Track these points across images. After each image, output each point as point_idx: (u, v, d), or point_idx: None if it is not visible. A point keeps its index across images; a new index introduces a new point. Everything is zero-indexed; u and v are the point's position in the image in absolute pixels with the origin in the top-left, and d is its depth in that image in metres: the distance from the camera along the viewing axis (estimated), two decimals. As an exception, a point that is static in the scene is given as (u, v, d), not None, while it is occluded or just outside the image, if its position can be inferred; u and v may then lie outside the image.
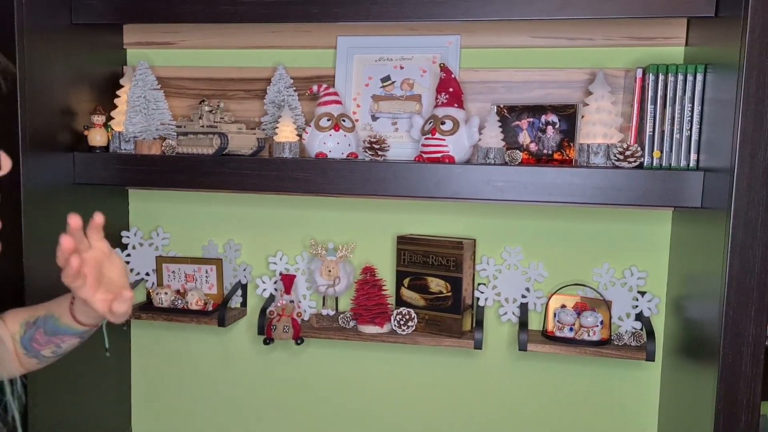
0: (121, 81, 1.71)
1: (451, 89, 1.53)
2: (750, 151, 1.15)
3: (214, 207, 1.82)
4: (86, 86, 1.66)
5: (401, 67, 1.66)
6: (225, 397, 1.87)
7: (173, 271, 1.80)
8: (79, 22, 1.57)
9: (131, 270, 1.81)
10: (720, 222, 1.23)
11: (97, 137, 1.64)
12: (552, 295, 1.62)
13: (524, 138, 1.52)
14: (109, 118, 1.67)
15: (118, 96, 1.69)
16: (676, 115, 1.38)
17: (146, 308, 1.75)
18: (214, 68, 1.77)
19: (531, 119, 1.51)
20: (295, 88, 1.69)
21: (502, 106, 1.54)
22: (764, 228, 1.16)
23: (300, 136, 1.61)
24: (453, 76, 1.54)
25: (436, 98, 1.55)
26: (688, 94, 1.37)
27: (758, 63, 1.14)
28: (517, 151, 1.49)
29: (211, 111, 1.62)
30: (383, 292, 1.68)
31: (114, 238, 1.80)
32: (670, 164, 1.39)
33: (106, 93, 1.71)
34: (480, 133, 1.50)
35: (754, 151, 1.15)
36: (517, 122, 1.53)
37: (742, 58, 1.15)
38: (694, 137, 1.37)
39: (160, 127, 1.65)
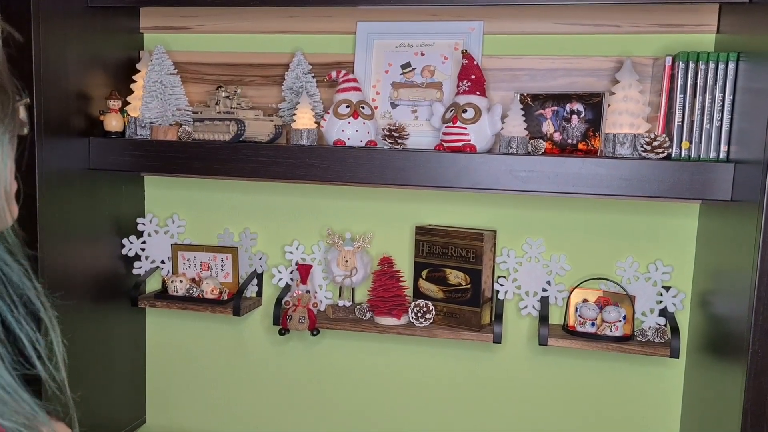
0: (138, 66, 1.69)
1: (473, 76, 1.50)
2: (786, 141, 1.11)
3: (231, 194, 1.80)
4: (102, 71, 1.64)
5: (422, 54, 1.62)
6: (239, 388, 1.85)
7: (188, 259, 1.79)
8: (95, 5, 1.55)
9: (147, 257, 1.80)
10: (751, 216, 1.18)
11: (113, 122, 1.62)
12: (574, 288, 1.59)
13: (548, 127, 1.48)
14: (125, 104, 1.65)
15: (134, 81, 1.67)
16: (707, 105, 1.33)
17: (161, 296, 1.74)
18: (232, 53, 1.75)
19: (555, 108, 1.47)
20: (313, 75, 1.66)
21: (525, 94, 1.50)
22: (799, 222, 1.12)
23: (318, 123, 1.58)
24: (475, 63, 1.50)
25: (458, 85, 1.51)
26: (720, 83, 1.32)
27: (797, 50, 1.09)
28: (541, 140, 1.45)
29: (228, 97, 1.59)
30: (401, 284, 1.65)
31: (130, 224, 1.79)
32: (699, 155, 1.35)
33: (123, 78, 1.69)
34: (503, 122, 1.47)
35: (791, 141, 1.10)
36: (541, 111, 1.49)
37: (779, 45, 1.11)
38: (725, 128, 1.32)
39: (176, 113, 1.63)
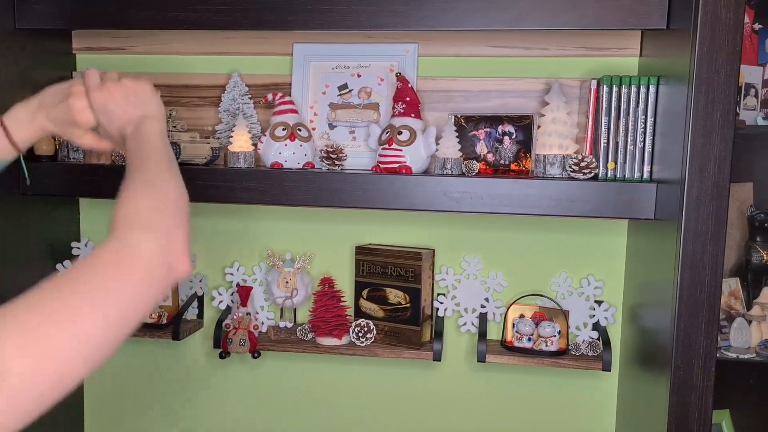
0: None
1: (408, 99, 1.52)
2: (699, 165, 1.16)
3: (169, 217, 1.78)
4: (32, 93, 1.60)
5: (358, 75, 1.64)
6: (180, 412, 1.83)
7: (126, 283, 1.76)
8: (23, 27, 1.52)
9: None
10: (672, 234, 1.23)
11: (43, 146, 1.58)
12: (511, 305, 1.62)
13: (481, 148, 1.51)
14: (58, 127, 1.61)
15: (66, 103, 1.64)
16: (630, 127, 1.38)
17: (98, 322, 1.70)
18: (167, 74, 1.73)
19: (488, 129, 1.51)
20: (250, 96, 1.66)
21: (459, 115, 1.53)
22: (714, 242, 1.17)
23: (255, 145, 1.57)
24: (410, 85, 1.53)
25: (393, 107, 1.53)
26: (641, 105, 1.37)
27: (707, 77, 1.14)
28: (474, 161, 1.48)
29: (163, 120, 1.57)
30: (342, 304, 1.66)
31: (64, 249, 1.75)
32: (625, 176, 1.39)
33: (55, 100, 1.65)
34: (437, 144, 1.49)
35: (704, 165, 1.16)
36: (475, 132, 1.52)
37: (691, 72, 1.16)
38: (648, 149, 1.38)
39: (110, 136, 1.61)
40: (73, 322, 0.65)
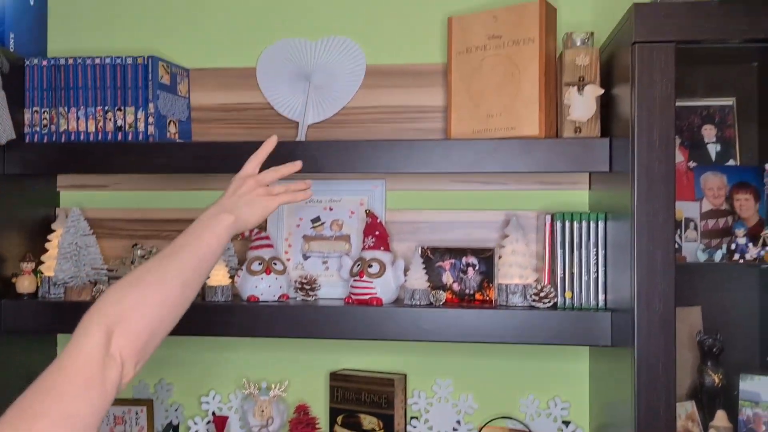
0: (53, 225, 1.72)
1: (377, 233, 1.62)
2: (646, 299, 1.26)
3: (146, 347, 1.81)
4: (16, 232, 1.68)
5: (330, 209, 1.74)
6: None
7: (101, 415, 1.76)
8: (11, 173, 1.61)
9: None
10: (627, 360, 1.31)
11: (25, 283, 1.63)
12: (482, 428, 1.66)
13: (447, 278, 1.61)
14: (40, 263, 1.67)
15: (49, 240, 1.70)
16: (584, 258, 1.49)
17: (71, 457, 1.69)
18: (149, 209, 1.82)
19: (453, 260, 1.60)
20: (228, 230, 1.75)
21: (425, 247, 1.63)
22: (665, 370, 1.25)
23: (232, 277, 1.64)
24: (378, 220, 1.63)
25: (364, 241, 1.63)
26: (593, 239, 1.49)
27: (646, 220, 1.26)
28: (441, 291, 1.57)
29: (143, 256, 1.65)
30: (316, 431, 1.69)
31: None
32: (582, 304, 1.49)
33: (38, 236, 1.72)
34: (406, 275, 1.58)
35: (650, 299, 1.25)
36: (441, 263, 1.61)
37: (632, 213, 1.28)
38: (601, 279, 1.48)
39: (90, 272, 1.66)
40: None
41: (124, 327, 0.93)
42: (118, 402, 1.76)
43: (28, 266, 1.64)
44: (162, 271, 1.01)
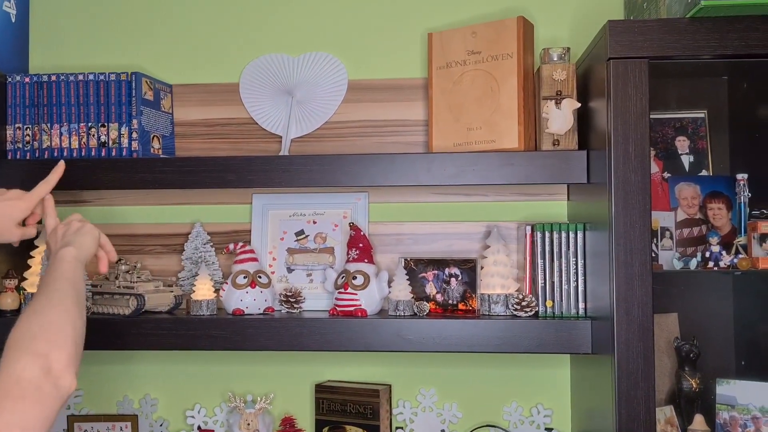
0: (36, 241, 1.72)
1: (360, 245, 1.64)
2: (624, 308, 1.29)
3: (130, 365, 1.81)
4: (4, 251, 1.67)
5: (314, 222, 1.76)
6: None
7: (86, 431, 1.76)
8: (-6, 189, 1.60)
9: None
10: (607, 368, 1.34)
11: (8, 300, 1.63)
12: (466, 436, 1.69)
13: (431, 289, 1.63)
14: (23, 279, 1.67)
15: (32, 256, 1.70)
16: (563, 268, 1.53)
17: (55, 474, 1.69)
18: (132, 224, 1.82)
19: (436, 271, 1.63)
20: (212, 244, 1.76)
21: (408, 259, 1.65)
22: (644, 378, 1.28)
23: (217, 291, 1.65)
24: (362, 233, 1.65)
25: (348, 253, 1.65)
26: (572, 249, 1.52)
27: (623, 231, 1.29)
28: (425, 302, 1.59)
29: (128, 271, 1.65)
30: (302, 443, 1.70)
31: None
32: (562, 313, 1.52)
33: (20, 254, 1.71)
34: (389, 286, 1.60)
35: (628, 308, 1.29)
36: (424, 274, 1.64)
37: (610, 224, 1.31)
38: (581, 288, 1.52)
39: (75, 288, 1.66)
40: None
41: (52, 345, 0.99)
42: (103, 418, 1.76)
43: (10, 283, 1.63)
44: (50, 297, 1.09)
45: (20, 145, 1.67)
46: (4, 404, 0.89)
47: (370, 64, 1.78)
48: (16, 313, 1.64)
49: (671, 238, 1.54)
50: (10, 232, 1.33)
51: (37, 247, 1.70)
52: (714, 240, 1.44)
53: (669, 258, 1.49)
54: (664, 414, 1.46)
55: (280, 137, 1.77)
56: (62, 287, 1.11)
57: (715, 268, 1.43)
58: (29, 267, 1.68)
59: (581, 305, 1.52)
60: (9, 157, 1.66)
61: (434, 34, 1.65)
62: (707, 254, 1.43)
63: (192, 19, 1.83)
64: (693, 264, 1.44)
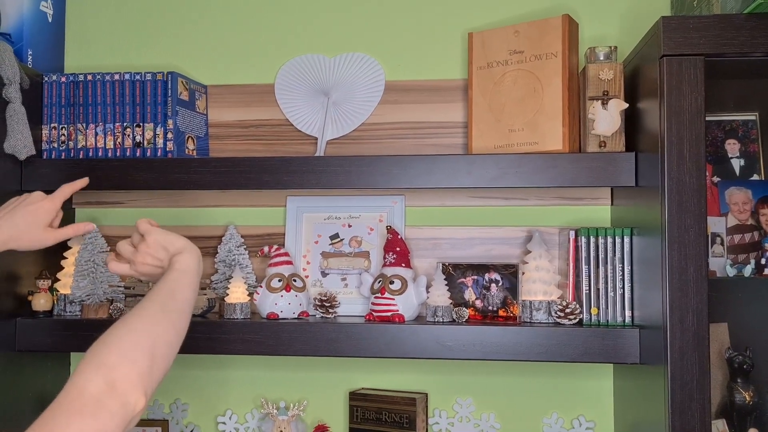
0: (70, 242, 1.70)
1: (398, 249, 1.60)
2: (679, 316, 1.23)
3: (161, 366, 1.78)
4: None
5: (349, 226, 1.72)
6: None
7: (116, 436, 1.73)
8: (28, 189, 1.58)
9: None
10: (658, 379, 1.29)
11: (41, 301, 1.61)
12: (504, 448, 1.63)
13: (470, 295, 1.58)
14: (55, 280, 1.65)
15: (65, 257, 1.68)
16: (609, 274, 1.47)
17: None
18: (165, 226, 1.78)
19: (475, 277, 1.58)
20: (246, 247, 1.73)
21: (447, 264, 1.61)
22: (699, 389, 1.22)
23: (251, 295, 1.62)
24: (399, 237, 1.61)
25: (384, 257, 1.61)
26: (618, 255, 1.47)
27: (678, 236, 1.24)
28: (464, 308, 1.55)
29: (161, 273, 1.62)
30: (336, 452, 1.66)
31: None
32: (608, 321, 1.47)
33: (54, 254, 1.70)
34: (427, 292, 1.56)
35: (683, 316, 1.23)
36: (463, 279, 1.59)
37: (663, 229, 1.26)
38: (627, 295, 1.46)
39: (107, 290, 1.64)
40: None
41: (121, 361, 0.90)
42: (133, 422, 1.73)
43: (44, 284, 1.61)
44: (142, 305, 1.02)
45: (55, 145, 1.66)
46: (59, 419, 0.81)
47: (407, 65, 1.74)
48: (50, 314, 1.62)
49: (722, 244, 1.48)
50: (40, 238, 1.30)
51: (70, 248, 1.69)
52: (769, 246, 1.38)
53: (720, 265, 1.43)
54: (717, 428, 1.40)
55: (316, 139, 1.74)
56: (158, 298, 1.03)
57: (771, 276, 1.37)
58: (62, 268, 1.67)
59: (628, 313, 1.46)
60: (44, 157, 1.65)
61: (475, 34, 1.61)
62: (762, 261, 1.37)
63: (227, 20, 1.81)
64: (747, 271, 1.38)
